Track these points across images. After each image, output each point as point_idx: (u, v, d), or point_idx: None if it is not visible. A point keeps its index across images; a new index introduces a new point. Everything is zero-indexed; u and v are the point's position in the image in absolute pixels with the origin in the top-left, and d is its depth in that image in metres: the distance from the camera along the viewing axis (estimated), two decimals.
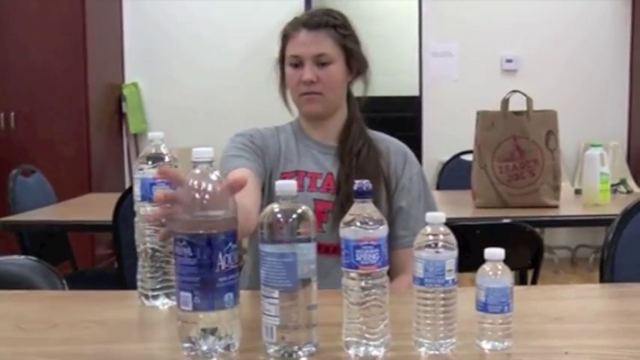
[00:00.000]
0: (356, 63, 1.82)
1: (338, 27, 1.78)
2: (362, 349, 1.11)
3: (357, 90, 1.88)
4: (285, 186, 1.14)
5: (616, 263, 1.78)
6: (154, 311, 1.39)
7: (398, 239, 1.74)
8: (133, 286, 1.45)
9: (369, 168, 1.77)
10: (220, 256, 1.10)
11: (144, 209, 1.38)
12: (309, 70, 1.75)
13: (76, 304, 1.48)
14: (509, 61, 5.60)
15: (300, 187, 1.71)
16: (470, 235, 1.94)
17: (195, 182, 1.09)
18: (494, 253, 1.14)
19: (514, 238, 2.32)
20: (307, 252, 1.12)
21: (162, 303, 1.40)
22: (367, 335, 1.11)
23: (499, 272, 1.14)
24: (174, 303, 1.26)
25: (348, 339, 1.12)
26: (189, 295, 1.11)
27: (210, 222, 1.09)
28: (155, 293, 1.40)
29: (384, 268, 1.11)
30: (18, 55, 5.03)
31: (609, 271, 1.77)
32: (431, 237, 1.12)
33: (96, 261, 4.95)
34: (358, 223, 1.11)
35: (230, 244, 1.11)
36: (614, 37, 5.63)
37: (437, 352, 1.12)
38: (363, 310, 1.11)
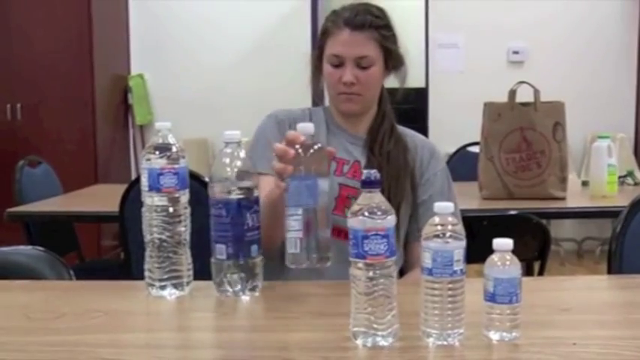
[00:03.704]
0: (393, 62, 1.81)
1: (381, 28, 1.76)
2: (370, 339, 1.11)
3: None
4: (304, 127, 1.34)
5: (624, 255, 1.77)
6: (161, 301, 1.39)
7: (419, 232, 1.74)
8: (140, 277, 1.45)
9: (398, 161, 1.78)
10: (248, 215, 1.35)
11: (151, 199, 1.39)
12: (349, 71, 1.74)
13: (83, 294, 1.48)
14: (515, 52, 5.57)
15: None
16: (476, 227, 1.93)
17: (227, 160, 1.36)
18: (503, 244, 1.14)
19: (521, 229, 2.32)
20: (322, 185, 1.32)
21: (170, 293, 1.40)
22: (375, 325, 1.11)
23: (507, 262, 1.13)
24: (182, 293, 1.42)
25: (356, 329, 1.12)
26: (223, 246, 1.35)
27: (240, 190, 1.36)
28: (162, 283, 1.40)
29: (391, 258, 1.11)
30: (24, 46, 5.02)
31: (617, 262, 1.77)
32: (439, 227, 1.11)
33: (102, 252, 4.96)
34: (366, 213, 1.11)
35: (255, 206, 1.37)
36: (622, 28, 5.60)
37: (444, 343, 1.12)
38: (371, 301, 1.11)
